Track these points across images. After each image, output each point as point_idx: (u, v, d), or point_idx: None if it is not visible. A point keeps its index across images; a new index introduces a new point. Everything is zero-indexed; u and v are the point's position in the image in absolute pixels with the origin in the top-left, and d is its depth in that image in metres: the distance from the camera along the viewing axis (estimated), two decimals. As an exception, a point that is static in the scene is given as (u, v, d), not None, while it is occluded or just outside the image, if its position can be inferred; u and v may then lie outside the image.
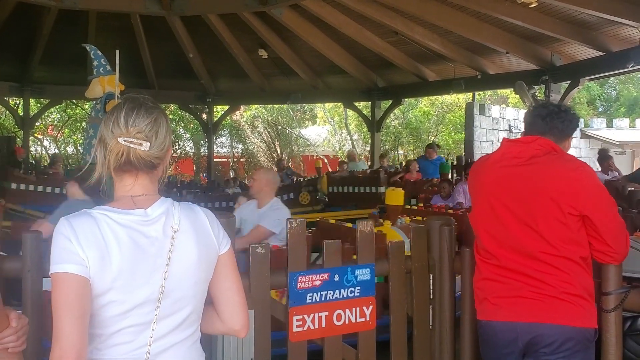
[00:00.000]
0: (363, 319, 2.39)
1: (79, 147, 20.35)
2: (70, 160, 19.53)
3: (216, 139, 20.61)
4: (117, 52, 6.68)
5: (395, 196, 5.21)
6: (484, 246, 2.23)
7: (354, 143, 22.89)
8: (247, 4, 9.85)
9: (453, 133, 21.04)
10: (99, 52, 7.08)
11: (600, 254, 2.09)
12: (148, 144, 1.39)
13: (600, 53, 9.31)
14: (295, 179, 11.74)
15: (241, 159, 25.01)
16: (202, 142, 21.79)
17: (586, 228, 2.07)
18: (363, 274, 2.38)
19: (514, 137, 16.76)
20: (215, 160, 19.32)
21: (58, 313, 1.27)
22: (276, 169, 12.34)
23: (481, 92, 19.21)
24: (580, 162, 2.20)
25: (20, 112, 15.19)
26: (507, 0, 8.27)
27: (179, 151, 21.79)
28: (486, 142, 15.56)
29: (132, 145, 1.37)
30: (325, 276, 2.30)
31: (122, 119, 1.38)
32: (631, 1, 7.54)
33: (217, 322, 1.53)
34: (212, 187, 13.97)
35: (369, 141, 17.83)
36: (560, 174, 2.08)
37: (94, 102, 7.07)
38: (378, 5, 9.51)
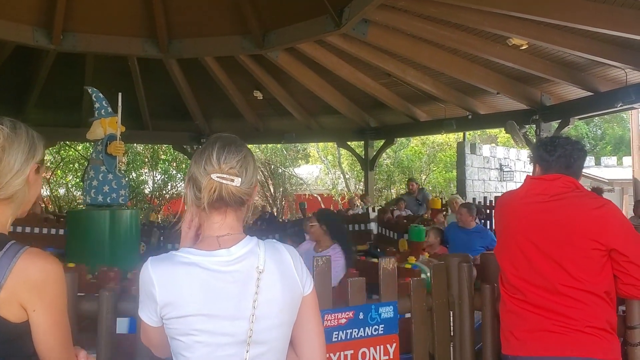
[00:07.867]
0: (387, 357, 2.39)
1: (71, 189, 20.21)
2: (61, 202, 19.38)
3: (209, 178, 20.57)
4: (120, 94, 6.76)
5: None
6: (509, 280, 2.27)
7: (347, 182, 22.99)
8: (244, 47, 10.00)
9: (444, 172, 21.22)
10: (100, 94, 7.13)
11: (627, 287, 2.13)
12: (239, 179, 1.41)
13: (589, 93, 9.53)
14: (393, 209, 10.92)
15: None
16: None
17: (612, 262, 2.12)
18: (386, 312, 2.39)
19: (506, 174, 16.70)
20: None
21: None
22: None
23: (471, 132, 19.51)
24: (605, 199, 2.27)
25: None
26: (498, 42, 8.52)
27: (171, 191, 21.71)
28: (478, 181, 15.74)
29: (224, 182, 1.39)
30: (351, 314, 2.32)
31: (214, 157, 1.41)
32: (617, 43, 7.78)
33: None
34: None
35: (362, 179, 17.92)
36: (587, 211, 2.14)
37: (95, 143, 7.09)
38: (371, 49, 9.70)
